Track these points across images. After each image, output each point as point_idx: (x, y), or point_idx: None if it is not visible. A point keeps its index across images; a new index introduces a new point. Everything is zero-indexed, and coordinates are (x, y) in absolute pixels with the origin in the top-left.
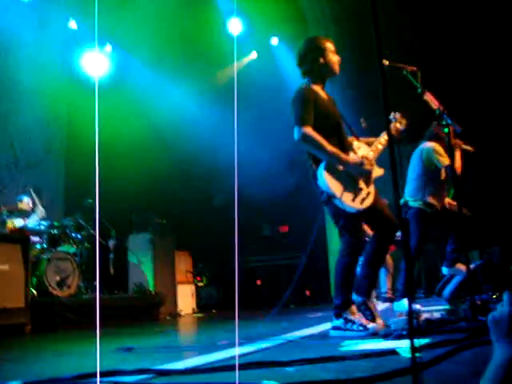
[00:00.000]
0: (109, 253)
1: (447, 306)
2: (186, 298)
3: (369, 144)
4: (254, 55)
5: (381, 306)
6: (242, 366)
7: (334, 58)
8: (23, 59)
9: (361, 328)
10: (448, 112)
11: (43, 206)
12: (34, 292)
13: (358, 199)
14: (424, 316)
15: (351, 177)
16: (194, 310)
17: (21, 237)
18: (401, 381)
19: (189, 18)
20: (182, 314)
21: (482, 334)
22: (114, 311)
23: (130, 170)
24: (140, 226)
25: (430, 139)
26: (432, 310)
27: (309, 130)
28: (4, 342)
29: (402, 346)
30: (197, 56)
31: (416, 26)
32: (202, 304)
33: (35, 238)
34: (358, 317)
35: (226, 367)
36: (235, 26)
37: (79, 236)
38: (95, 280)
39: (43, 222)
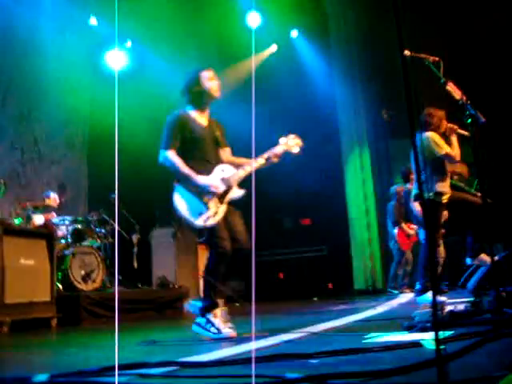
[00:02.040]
0: (132, 247)
1: (471, 298)
2: None
3: (240, 165)
4: (273, 48)
5: (403, 298)
6: (266, 358)
7: (210, 84)
8: (46, 58)
9: (215, 331)
10: (471, 102)
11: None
12: (60, 286)
13: (203, 217)
14: (448, 308)
15: (201, 196)
16: None
17: (46, 232)
18: (425, 373)
19: (207, 12)
20: None
21: (507, 325)
22: (138, 304)
23: (153, 164)
24: (163, 221)
25: (426, 129)
26: (456, 302)
27: (169, 154)
28: (31, 335)
29: (427, 338)
30: (216, 50)
31: (438, 16)
32: (226, 296)
33: (60, 233)
34: (218, 320)
35: (249, 359)
36: (254, 19)
37: (103, 230)
38: (119, 274)
39: (67, 217)
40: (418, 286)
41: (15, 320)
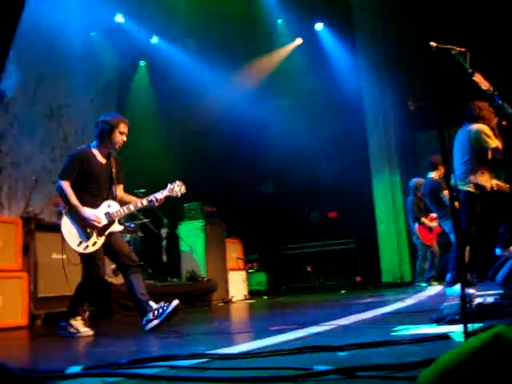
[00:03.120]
0: (161, 241)
1: (501, 291)
2: (237, 285)
3: (126, 203)
4: (298, 41)
5: (431, 291)
6: (295, 351)
7: (120, 138)
8: (74, 55)
9: (73, 331)
10: (498, 93)
11: None
12: None
13: (83, 245)
14: (477, 300)
15: (84, 227)
16: (245, 296)
17: None
18: None
19: (233, 6)
20: (234, 300)
21: None
22: (168, 298)
23: (181, 159)
24: (191, 215)
25: (476, 121)
26: (485, 295)
27: (64, 184)
28: None
29: (455, 330)
30: (241, 44)
31: (465, 5)
32: (253, 290)
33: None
34: (77, 323)
35: (278, 352)
36: (279, 12)
37: (132, 225)
38: (149, 267)
39: None
40: (448, 278)
41: (48, 313)
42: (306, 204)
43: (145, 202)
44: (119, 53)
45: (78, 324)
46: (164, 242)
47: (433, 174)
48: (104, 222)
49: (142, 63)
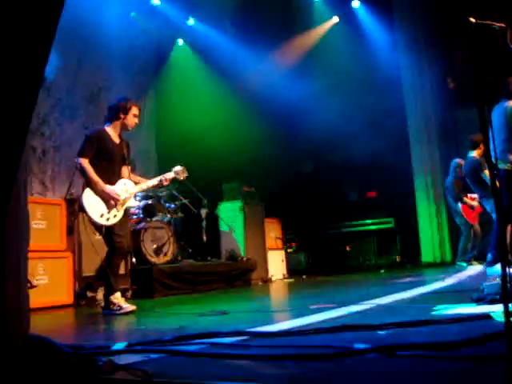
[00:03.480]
0: (201, 221)
1: None
2: (276, 264)
3: (136, 183)
4: (335, 19)
5: (472, 270)
6: (334, 329)
7: (133, 120)
8: (113, 39)
9: (116, 308)
10: None
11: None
12: (133, 259)
13: (105, 217)
14: None
15: (105, 200)
16: (284, 275)
17: None
18: (494, 345)
19: None
20: (273, 279)
21: None
22: (208, 277)
23: (220, 140)
24: (230, 195)
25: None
26: None
27: (83, 162)
28: None
29: (496, 310)
30: (278, 22)
31: None
32: (292, 269)
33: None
34: (117, 300)
35: (318, 330)
36: None
37: (172, 206)
38: (189, 247)
39: (138, 194)
40: (489, 257)
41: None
42: (345, 183)
43: (155, 181)
44: (157, 34)
45: (119, 300)
46: (204, 222)
47: (474, 153)
48: (123, 196)
49: (180, 43)
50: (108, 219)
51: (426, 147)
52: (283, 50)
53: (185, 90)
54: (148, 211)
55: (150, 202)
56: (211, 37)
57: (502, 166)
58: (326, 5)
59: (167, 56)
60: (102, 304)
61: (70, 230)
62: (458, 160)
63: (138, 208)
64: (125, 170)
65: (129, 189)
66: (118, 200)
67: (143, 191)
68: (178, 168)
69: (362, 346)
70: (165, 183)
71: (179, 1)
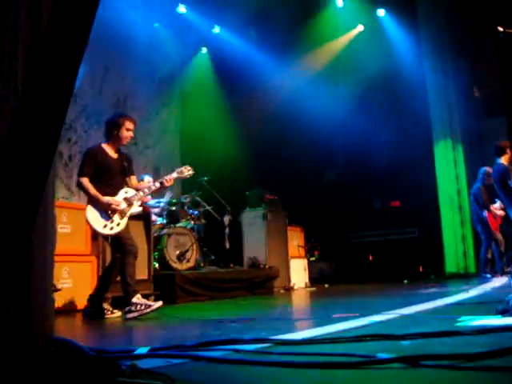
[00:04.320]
0: (224, 228)
1: None
2: (298, 272)
3: (140, 189)
4: (360, 28)
5: (496, 282)
6: (358, 338)
7: (126, 134)
8: (138, 44)
9: (143, 308)
10: None
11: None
12: (157, 265)
13: (108, 227)
14: None
15: (106, 211)
16: (306, 283)
17: (143, 213)
18: None
19: None
20: (295, 287)
21: None
22: (230, 284)
23: (243, 147)
24: (253, 202)
25: None
26: None
27: (83, 181)
28: None
29: None
30: (303, 30)
31: None
32: (315, 278)
33: (155, 217)
34: (141, 300)
35: (341, 339)
36: None
37: (196, 212)
38: (212, 254)
39: (162, 200)
40: None
41: (116, 296)
42: (369, 192)
43: (157, 184)
44: (182, 42)
45: (144, 300)
46: (227, 229)
47: (501, 160)
48: (123, 205)
49: (204, 51)
50: (112, 228)
51: (451, 158)
52: (308, 58)
53: (208, 98)
54: (171, 217)
55: (173, 208)
56: (236, 44)
57: None
58: (351, 13)
59: (192, 64)
60: (109, 313)
61: (95, 235)
62: (486, 168)
63: (156, 214)
64: (132, 179)
65: (131, 197)
66: (116, 209)
67: (146, 195)
68: (180, 168)
69: (385, 355)
70: (167, 184)
71: (205, 9)
